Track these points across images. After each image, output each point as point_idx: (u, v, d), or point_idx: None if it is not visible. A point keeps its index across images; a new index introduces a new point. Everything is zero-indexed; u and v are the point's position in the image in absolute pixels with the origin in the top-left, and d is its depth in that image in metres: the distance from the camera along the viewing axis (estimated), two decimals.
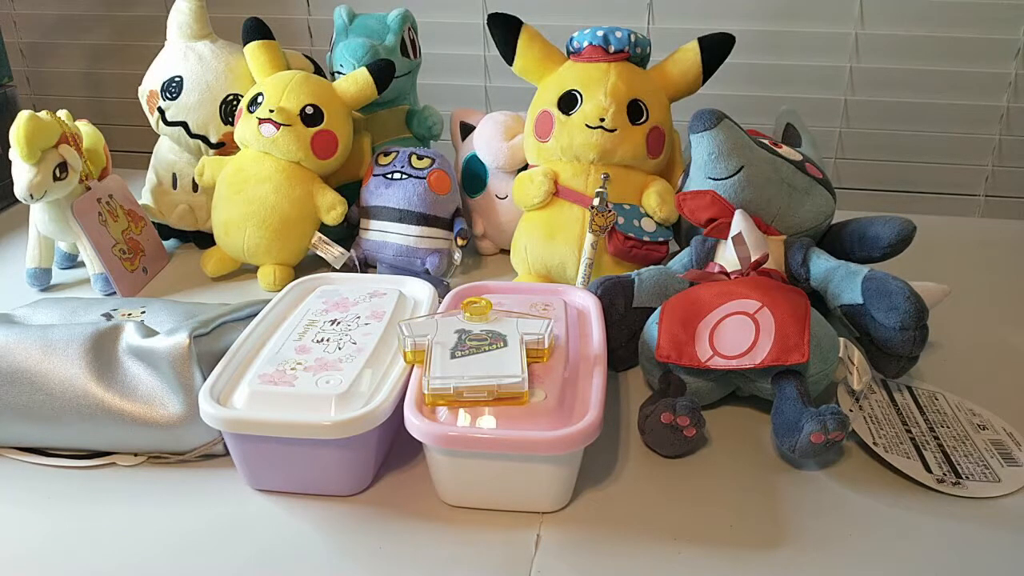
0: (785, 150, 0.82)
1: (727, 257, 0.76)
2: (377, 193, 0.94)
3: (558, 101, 0.88)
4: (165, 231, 1.03)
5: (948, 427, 0.68)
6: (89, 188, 0.91)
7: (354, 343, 0.65)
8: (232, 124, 0.96)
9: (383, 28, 1.02)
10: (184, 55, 0.98)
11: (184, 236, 1.04)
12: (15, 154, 0.83)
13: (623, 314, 0.75)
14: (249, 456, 0.61)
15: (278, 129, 0.90)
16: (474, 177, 1.00)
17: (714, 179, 0.77)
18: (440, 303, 0.74)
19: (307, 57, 1.04)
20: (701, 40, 0.89)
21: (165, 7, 1.07)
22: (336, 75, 1.01)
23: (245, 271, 0.97)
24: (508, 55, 0.92)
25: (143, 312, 0.71)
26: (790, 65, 1.26)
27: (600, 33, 0.88)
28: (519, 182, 0.90)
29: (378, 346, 0.64)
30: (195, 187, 1.00)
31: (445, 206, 0.95)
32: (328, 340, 0.65)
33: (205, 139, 0.98)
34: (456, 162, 1.03)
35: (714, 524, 0.59)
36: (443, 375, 0.58)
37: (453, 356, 0.60)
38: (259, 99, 0.92)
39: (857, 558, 0.56)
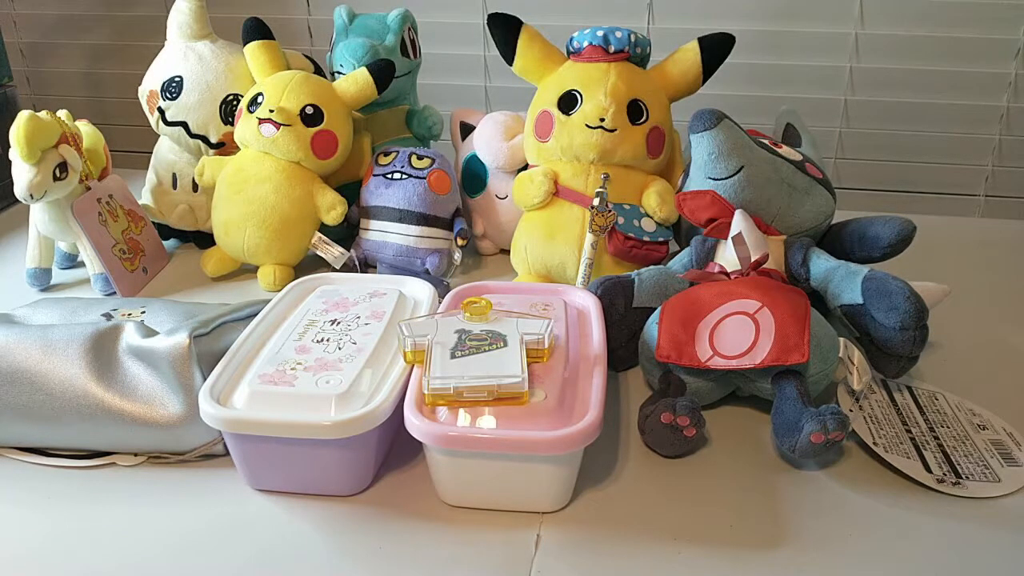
0: (785, 150, 0.82)
1: (727, 257, 0.76)
2: (377, 193, 0.94)
3: (558, 101, 0.88)
4: (165, 231, 1.03)
5: (948, 427, 0.68)
6: (89, 188, 0.91)
7: (354, 343, 0.65)
8: (232, 124, 0.96)
9: (383, 28, 1.03)
10: (184, 55, 0.98)
11: (184, 236, 1.04)
12: (15, 154, 0.83)
13: (623, 314, 0.75)
14: (249, 456, 0.61)
15: (278, 129, 0.90)
16: (474, 177, 1.00)
17: (714, 179, 0.77)
18: (440, 303, 0.74)
19: (307, 57, 1.04)
20: (701, 40, 0.89)
21: (165, 7, 1.07)
22: (336, 75, 1.01)
23: (245, 271, 0.97)
24: (508, 55, 0.92)
25: (143, 312, 0.71)
26: (790, 65, 1.26)
27: (600, 33, 0.88)
28: (519, 182, 0.90)
29: (378, 346, 0.64)
30: (195, 187, 1.00)
31: (445, 206, 0.95)
32: (328, 340, 0.65)
33: (205, 139, 0.98)
34: (456, 162, 1.03)
35: (714, 524, 0.59)
36: (443, 375, 0.58)
37: (453, 356, 0.60)
38: (259, 99, 0.92)
39: (857, 558, 0.56)
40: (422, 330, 0.63)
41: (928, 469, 0.63)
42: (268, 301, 0.72)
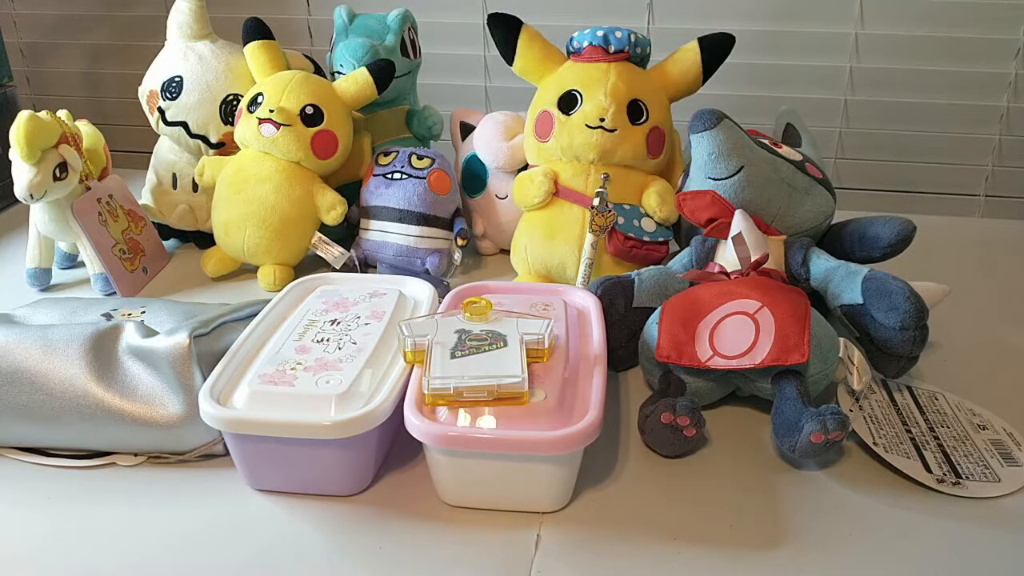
0: (785, 150, 0.82)
1: (727, 257, 0.76)
2: (377, 193, 0.94)
3: (558, 101, 0.88)
4: (165, 231, 1.03)
5: (948, 427, 0.68)
6: (89, 188, 0.91)
7: (354, 343, 0.65)
8: (232, 124, 0.96)
9: (383, 28, 1.02)
10: (184, 55, 0.98)
11: (184, 236, 1.04)
12: (15, 154, 0.83)
13: (623, 314, 0.75)
14: (249, 456, 0.61)
15: (278, 129, 0.90)
16: (474, 177, 1.00)
17: (714, 179, 0.77)
18: (440, 303, 0.74)
19: (307, 57, 1.04)
20: (701, 40, 0.89)
21: (165, 7, 1.07)
22: (336, 75, 1.01)
23: (245, 271, 0.97)
24: (508, 55, 0.92)
25: (143, 312, 0.71)
26: (790, 65, 1.26)
27: (600, 33, 0.88)
28: (519, 182, 0.90)
29: (378, 346, 0.64)
30: (195, 187, 1.00)
31: (445, 206, 0.95)
32: (328, 340, 0.65)
33: (205, 139, 0.98)
34: (456, 162, 1.03)
35: (714, 524, 0.59)
36: (443, 375, 0.58)
37: (453, 356, 0.60)
38: (259, 99, 0.92)
39: (857, 558, 0.56)
40: (422, 330, 0.63)
41: (928, 469, 0.63)
42: (268, 301, 0.72)
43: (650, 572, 0.55)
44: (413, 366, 0.63)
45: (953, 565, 0.55)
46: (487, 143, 0.98)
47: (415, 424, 0.57)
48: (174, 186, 1.02)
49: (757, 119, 0.99)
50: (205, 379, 0.61)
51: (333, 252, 0.94)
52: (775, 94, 1.27)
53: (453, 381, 0.58)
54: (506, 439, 0.56)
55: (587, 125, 0.86)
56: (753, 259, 0.73)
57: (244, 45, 0.97)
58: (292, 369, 0.61)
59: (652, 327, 0.72)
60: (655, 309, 0.73)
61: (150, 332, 0.64)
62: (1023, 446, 0.66)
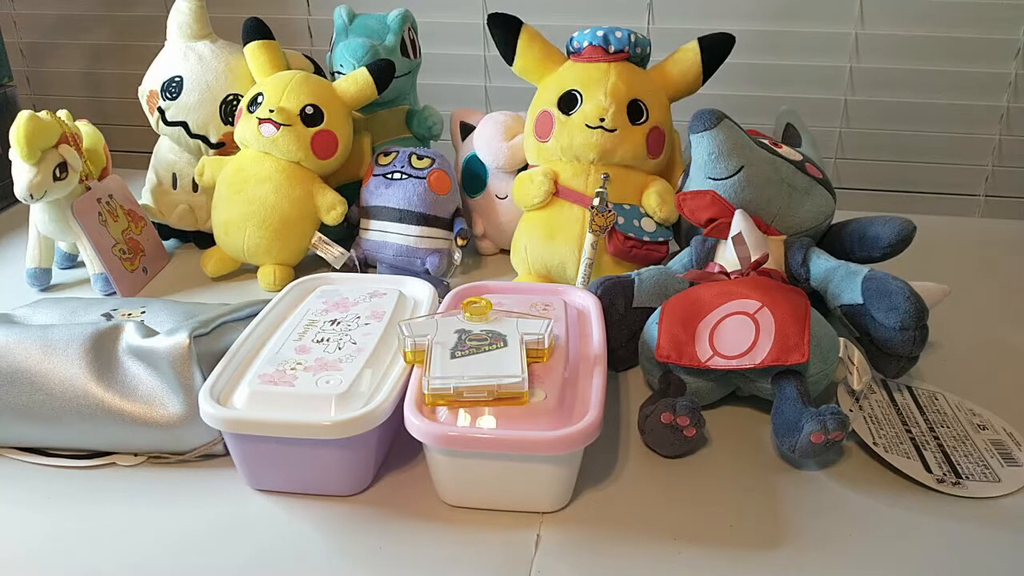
0: (785, 150, 0.82)
1: (727, 257, 0.76)
2: (377, 193, 0.94)
3: (558, 101, 0.88)
4: (165, 231, 1.03)
5: (948, 427, 0.68)
6: (89, 188, 0.91)
7: (354, 343, 0.65)
8: (232, 124, 0.96)
9: (383, 28, 1.03)
10: (184, 55, 0.98)
11: (184, 236, 1.04)
12: (15, 154, 0.83)
13: (623, 314, 0.75)
14: (249, 456, 0.61)
15: (278, 129, 0.90)
16: (474, 177, 1.00)
17: (714, 179, 0.77)
18: (440, 303, 0.74)
19: (307, 57, 1.04)
20: (701, 40, 0.89)
21: (165, 7, 1.07)
22: (336, 75, 1.01)
23: (245, 271, 0.97)
24: (508, 55, 0.92)
25: (143, 312, 0.71)
26: (790, 65, 1.26)
27: (600, 33, 0.88)
28: (519, 182, 0.90)
29: (378, 346, 0.64)
30: (195, 187, 1.00)
31: (445, 206, 0.95)
32: (328, 340, 0.65)
33: (205, 139, 0.98)
34: (456, 162, 1.03)
35: (714, 524, 0.59)
36: (443, 375, 0.58)
37: (453, 356, 0.60)
38: (259, 99, 0.92)
39: (857, 558, 0.56)
40: (422, 330, 0.63)
41: (928, 469, 0.63)
42: (268, 301, 0.72)
43: (650, 572, 0.55)
44: (413, 366, 0.63)
45: (953, 565, 0.55)
46: (487, 143, 0.98)
47: (415, 424, 0.57)
48: (174, 186, 1.02)
49: (757, 119, 0.99)
50: (205, 379, 0.61)
51: (333, 252, 0.94)
52: (775, 94, 1.27)
53: (453, 381, 0.58)
54: (506, 439, 0.56)
55: (587, 125, 0.86)
56: (753, 259, 0.73)
57: (244, 45, 0.97)
58: (292, 369, 0.61)
59: (652, 327, 0.72)
60: (655, 309, 0.73)
61: (150, 332, 0.64)
62: (1023, 446, 0.66)
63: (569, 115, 0.87)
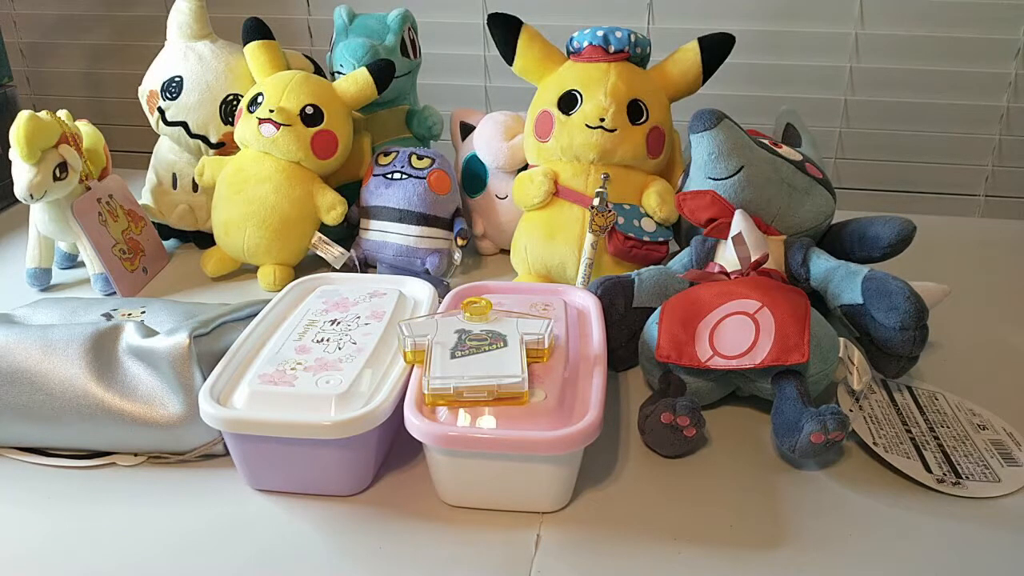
0: (785, 150, 0.82)
1: (727, 257, 0.76)
2: (377, 193, 0.94)
3: (558, 101, 0.88)
4: (165, 231, 1.03)
5: (948, 427, 0.68)
6: (89, 188, 0.91)
7: (354, 343, 0.65)
8: (232, 124, 0.96)
9: (383, 28, 1.03)
10: (184, 55, 0.98)
11: (184, 236, 1.04)
12: (15, 154, 0.83)
13: (623, 314, 0.75)
14: (249, 456, 0.61)
15: (278, 129, 0.90)
16: (474, 177, 1.00)
17: (714, 179, 0.77)
18: (440, 303, 0.74)
19: (307, 57, 1.04)
20: (701, 40, 0.89)
21: (165, 7, 1.07)
22: (336, 75, 1.01)
23: (245, 271, 0.97)
24: (508, 55, 0.92)
25: (143, 312, 0.71)
26: (790, 65, 1.26)
27: (600, 33, 0.88)
28: (519, 182, 0.90)
29: (378, 346, 0.64)
30: (195, 187, 1.00)
31: (445, 206, 0.95)
32: (328, 340, 0.65)
33: (205, 139, 0.98)
34: (456, 162, 1.03)
35: (714, 524, 0.59)
36: (443, 375, 0.58)
37: (453, 356, 0.60)
38: (259, 99, 0.92)
39: (857, 558, 0.56)
40: (422, 330, 0.63)
41: (928, 469, 0.63)
42: (268, 301, 0.72)
43: (650, 572, 0.55)
44: (413, 366, 0.63)
45: (953, 565, 0.55)
46: (487, 143, 0.98)
47: (415, 424, 0.57)
48: (174, 186, 1.02)
49: (757, 119, 0.99)
50: (205, 379, 0.61)
51: (333, 252, 0.94)
52: (775, 94, 1.27)
53: (453, 381, 0.58)
54: (506, 439, 0.56)
55: (587, 125, 0.86)
56: (753, 259, 0.73)
57: (244, 45, 0.97)
58: (292, 369, 0.61)
59: (652, 327, 0.72)
60: (655, 309, 0.73)
61: (150, 332, 0.64)
62: (1023, 446, 0.66)
63: (569, 115, 0.87)
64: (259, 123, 0.91)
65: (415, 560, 0.56)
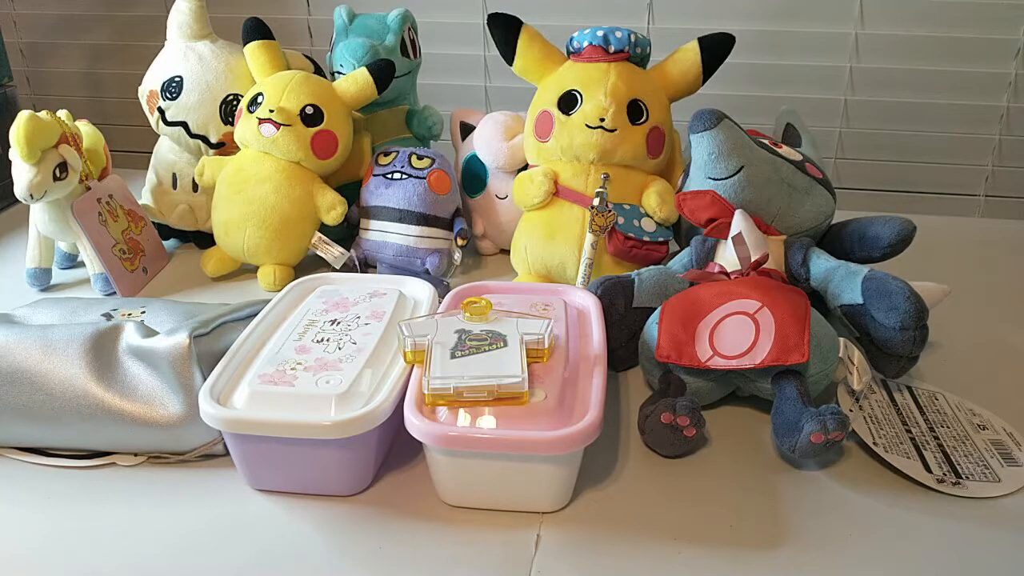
0: (785, 150, 0.82)
1: (727, 257, 0.76)
2: (377, 193, 0.94)
3: (558, 101, 0.88)
4: (165, 231, 1.03)
5: (948, 427, 0.68)
6: (89, 188, 0.91)
7: (354, 343, 0.65)
8: (232, 124, 0.96)
9: (383, 28, 1.03)
10: (184, 55, 0.98)
11: (184, 236, 1.04)
12: (15, 154, 0.83)
13: (623, 314, 0.75)
14: (249, 456, 0.61)
15: (278, 129, 0.90)
16: (474, 177, 1.00)
17: (714, 179, 0.77)
18: (440, 303, 0.74)
19: (307, 57, 1.04)
20: (701, 40, 0.89)
21: (165, 7, 1.07)
22: (336, 75, 1.01)
23: (245, 271, 0.97)
24: (508, 55, 0.92)
25: (143, 312, 0.71)
26: (790, 65, 1.26)
27: (600, 33, 0.88)
28: (519, 182, 0.90)
29: (378, 346, 0.64)
30: (195, 187, 1.00)
31: (445, 206, 0.95)
32: (328, 340, 0.65)
33: (205, 139, 0.98)
34: (456, 162, 1.03)
35: (714, 524, 0.59)
36: (443, 375, 0.58)
37: (453, 356, 0.60)
38: (259, 99, 0.92)
39: (857, 558, 0.56)
40: (422, 330, 0.63)
41: (928, 469, 0.63)
42: (268, 301, 0.72)
43: (650, 572, 0.55)
44: (413, 366, 0.63)
45: (953, 565, 0.55)
46: (487, 143, 0.98)
47: (415, 424, 0.57)
48: (174, 186, 1.02)
49: (757, 119, 0.99)
50: (205, 379, 0.61)
51: (333, 252, 0.94)
52: (775, 94, 1.27)
53: (453, 381, 0.58)
54: (506, 439, 0.56)
55: (587, 125, 0.86)
56: (753, 259, 0.73)
57: (244, 45, 0.97)
58: (292, 369, 0.61)
59: (652, 327, 0.72)
60: (655, 309, 0.73)
61: (150, 332, 0.64)
62: (1023, 446, 0.66)
63: (569, 115, 0.87)
64: (259, 123, 0.91)
65: (415, 560, 0.56)
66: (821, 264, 0.75)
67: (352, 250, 0.95)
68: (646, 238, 0.86)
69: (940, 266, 0.97)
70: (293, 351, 0.64)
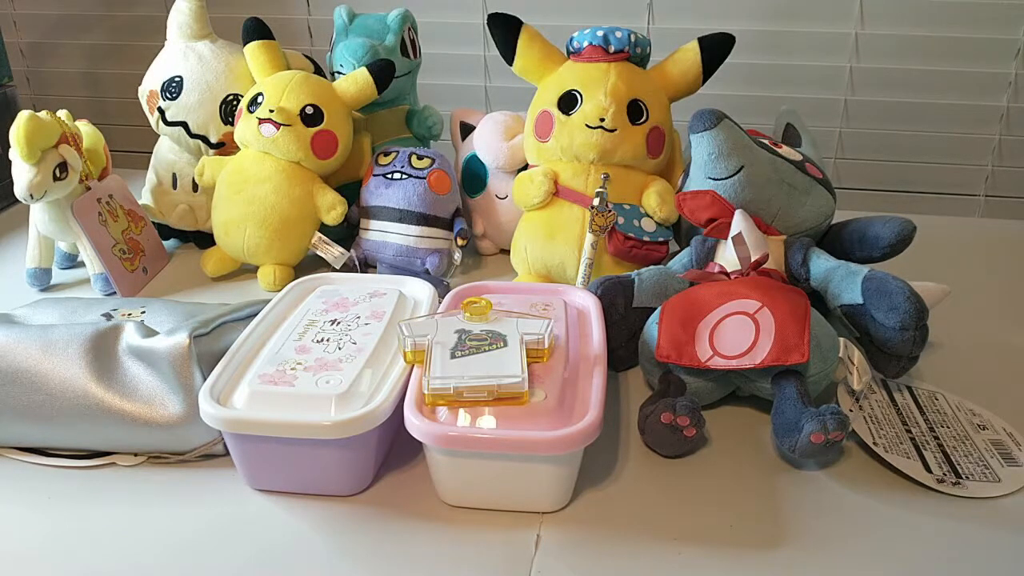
0: (785, 150, 0.82)
1: (727, 257, 0.76)
2: (377, 193, 0.94)
3: (558, 101, 0.88)
4: (165, 231, 1.03)
5: (948, 427, 0.68)
6: (89, 188, 0.91)
7: (354, 343, 0.65)
8: (232, 124, 0.96)
9: (383, 28, 1.03)
10: (184, 55, 0.98)
11: (184, 236, 1.04)
12: (15, 154, 0.83)
13: (623, 314, 0.75)
14: (249, 456, 0.61)
15: (278, 129, 0.90)
16: (474, 177, 1.00)
17: (714, 179, 0.77)
18: (440, 303, 0.74)
19: (307, 57, 1.04)
20: (701, 40, 0.89)
21: (165, 7, 1.07)
22: (336, 75, 1.01)
23: (245, 271, 0.97)
24: (508, 55, 0.92)
25: (143, 312, 0.71)
26: (790, 65, 1.26)
27: (600, 33, 0.88)
28: (519, 182, 0.90)
29: (378, 346, 0.64)
30: (195, 187, 1.00)
31: (445, 206, 0.95)
32: (328, 340, 0.65)
33: (205, 139, 0.98)
34: (456, 162, 1.03)
35: (714, 524, 0.59)
36: (443, 375, 0.58)
37: (453, 356, 0.60)
38: (259, 99, 0.92)
39: (857, 558, 0.56)
40: (422, 330, 0.63)
41: (928, 469, 0.63)
42: (268, 301, 0.72)
43: (650, 572, 0.55)
44: (413, 366, 0.63)
45: (953, 565, 0.55)
46: (487, 143, 0.98)
47: (415, 424, 0.57)
48: (174, 186, 1.02)
49: (757, 119, 0.99)
50: (205, 379, 0.61)
51: (333, 252, 0.94)
52: (775, 94, 1.27)
53: (453, 381, 0.58)
54: (506, 439, 0.56)
55: (587, 125, 0.86)
56: (753, 259, 0.73)
57: (244, 45, 0.97)
58: (292, 369, 0.61)
59: (652, 327, 0.72)
60: (655, 309, 0.73)
61: (150, 332, 0.64)
62: (1023, 446, 0.66)
63: (569, 115, 0.87)
64: (259, 123, 0.91)
65: (415, 560, 0.56)
66: (821, 264, 0.75)
67: (352, 250, 0.95)
68: (646, 238, 0.86)
69: (940, 266, 0.97)
70: (293, 351, 0.64)
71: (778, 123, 0.95)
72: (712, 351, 0.67)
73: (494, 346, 0.61)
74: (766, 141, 0.82)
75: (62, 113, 0.89)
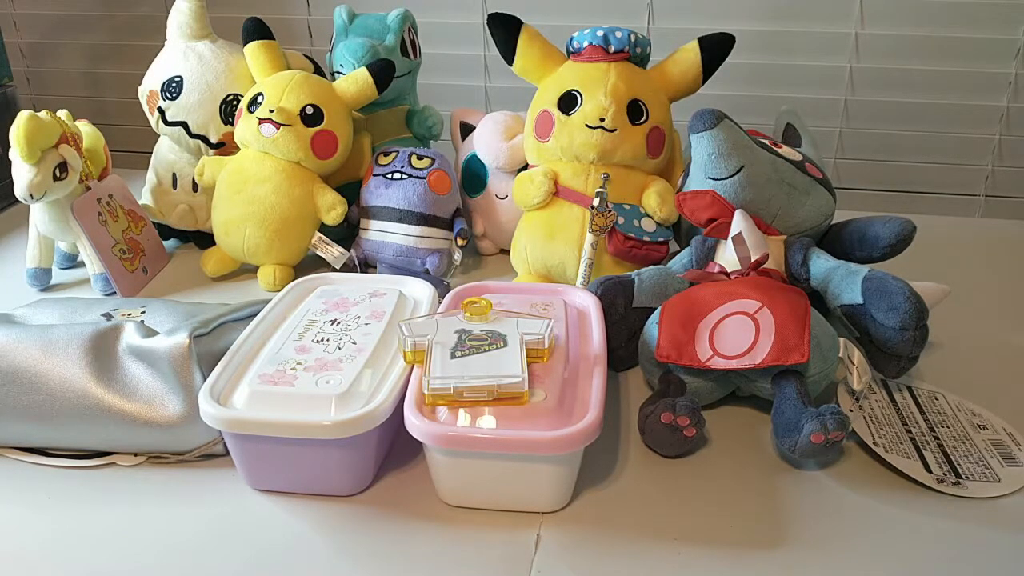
0: (785, 150, 0.82)
1: (727, 257, 0.76)
2: (377, 193, 0.94)
3: (558, 101, 0.88)
4: (165, 231, 1.03)
5: (948, 427, 0.68)
6: (89, 188, 0.91)
7: (354, 343, 0.65)
8: (232, 124, 0.96)
9: (383, 28, 1.03)
10: (184, 55, 0.98)
11: (184, 236, 1.04)
12: (15, 154, 0.83)
13: (623, 314, 0.75)
14: (249, 456, 0.61)
15: (278, 129, 0.90)
16: (474, 177, 1.00)
17: (714, 179, 0.77)
18: (440, 303, 0.74)
19: (307, 57, 1.04)
20: (701, 40, 0.89)
21: (165, 7, 1.07)
22: (336, 75, 1.01)
23: (245, 271, 0.97)
24: (508, 55, 0.92)
25: (143, 312, 0.72)
26: (790, 65, 1.26)
27: (600, 33, 0.88)
28: (519, 182, 0.90)
29: (378, 346, 0.64)
30: (195, 187, 1.00)
31: (445, 206, 0.95)
32: (328, 340, 0.65)
33: (205, 139, 0.98)
34: (456, 162, 1.03)
35: (714, 524, 0.59)
36: (443, 375, 0.58)
37: (453, 356, 0.60)
38: (259, 99, 0.92)
39: (857, 558, 0.56)
40: (422, 330, 0.63)
41: (928, 469, 0.63)
42: (268, 301, 0.72)
43: (650, 572, 0.55)
44: (413, 366, 0.63)
45: (953, 565, 0.55)
46: (487, 143, 0.98)
47: (415, 424, 0.57)
48: (174, 186, 1.02)
49: (757, 119, 0.99)
50: (205, 379, 0.61)
51: (333, 252, 0.94)
52: (775, 94, 1.27)
53: (453, 381, 0.58)
54: (506, 439, 0.56)
55: (587, 125, 0.86)
56: (753, 259, 0.73)
57: (244, 45, 0.97)
58: (292, 369, 0.61)
59: (652, 327, 0.72)
60: (655, 309, 0.73)
61: (150, 332, 0.64)
62: (1023, 446, 0.66)
63: (569, 115, 0.87)
64: (259, 123, 0.91)
65: (415, 560, 0.56)
66: (821, 264, 0.75)
67: (352, 250, 0.95)
68: (646, 238, 0.86)
69: (940, 266, 0.97)
70: (293, 351, 0.64)
71: (778, 123, 0.95)
72: (712, 351, 0.67)
73: (494, 346, 0.61)
74: (766, 141, 0.82)
75: (62, 113, 0.89)
